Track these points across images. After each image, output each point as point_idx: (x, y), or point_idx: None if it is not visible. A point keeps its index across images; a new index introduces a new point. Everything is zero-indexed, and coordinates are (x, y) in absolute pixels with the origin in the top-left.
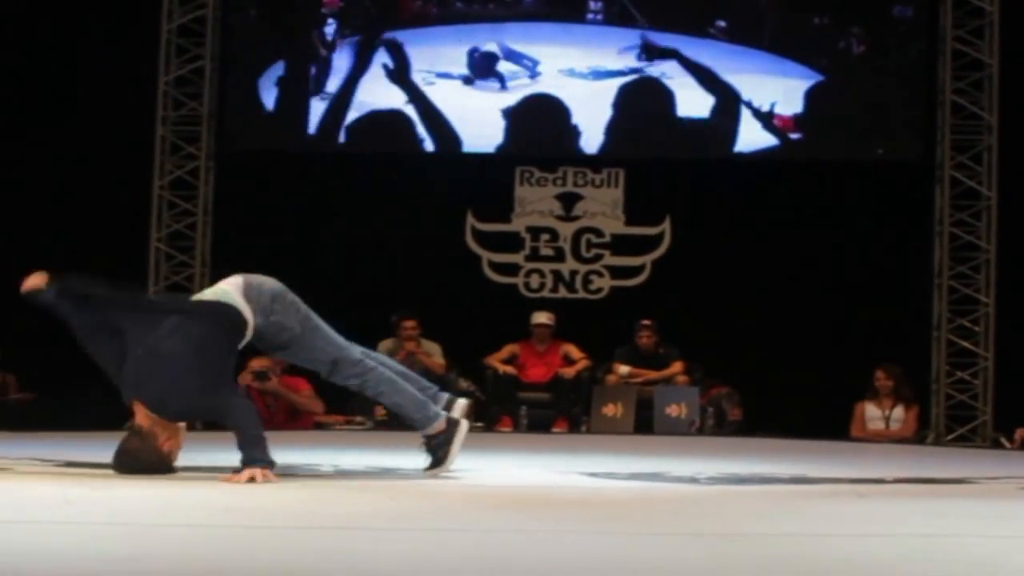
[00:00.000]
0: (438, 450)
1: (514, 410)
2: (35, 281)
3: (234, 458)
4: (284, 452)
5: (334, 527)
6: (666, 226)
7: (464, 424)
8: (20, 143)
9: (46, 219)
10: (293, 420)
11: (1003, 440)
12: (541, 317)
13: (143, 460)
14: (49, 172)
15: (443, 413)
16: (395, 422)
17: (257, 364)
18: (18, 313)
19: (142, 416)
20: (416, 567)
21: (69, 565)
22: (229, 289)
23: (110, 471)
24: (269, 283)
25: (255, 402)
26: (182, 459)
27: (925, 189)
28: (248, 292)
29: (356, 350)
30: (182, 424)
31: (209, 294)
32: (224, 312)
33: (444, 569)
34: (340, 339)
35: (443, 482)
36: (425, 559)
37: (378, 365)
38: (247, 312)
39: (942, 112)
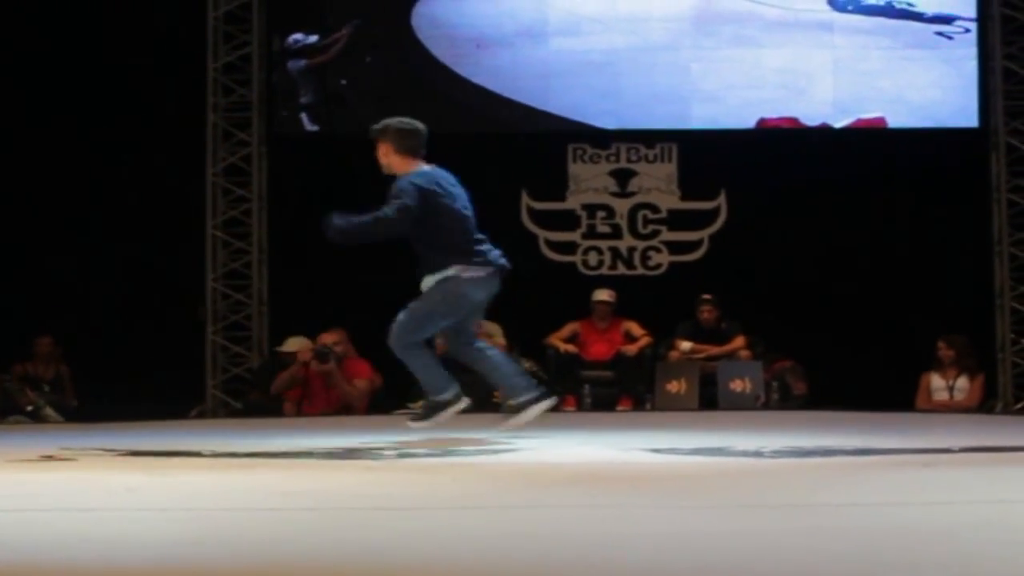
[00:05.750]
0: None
1: (577, 389)
2: None
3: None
4: (347, 435)
5: (394, 508)
6: (722, 200)
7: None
8: (71, 136)
9: (102, 211)
10: (348, 409)
11: None
12: (602, 294)
13: None
14: (103, 163)
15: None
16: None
17: (330, 338)
18: (77, 305)
19: None
20: (477, 545)
21: (130, 551)
22: None
23: (172, 458)
24: None
25: (310, 381)
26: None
27: (981, 156)
28: None
29: None
30: None
31: None
32: None
33: (505, 546)
34: None
35: (505, 461)
36: (486, 537)
37: None
38: None
39: (994, 78)
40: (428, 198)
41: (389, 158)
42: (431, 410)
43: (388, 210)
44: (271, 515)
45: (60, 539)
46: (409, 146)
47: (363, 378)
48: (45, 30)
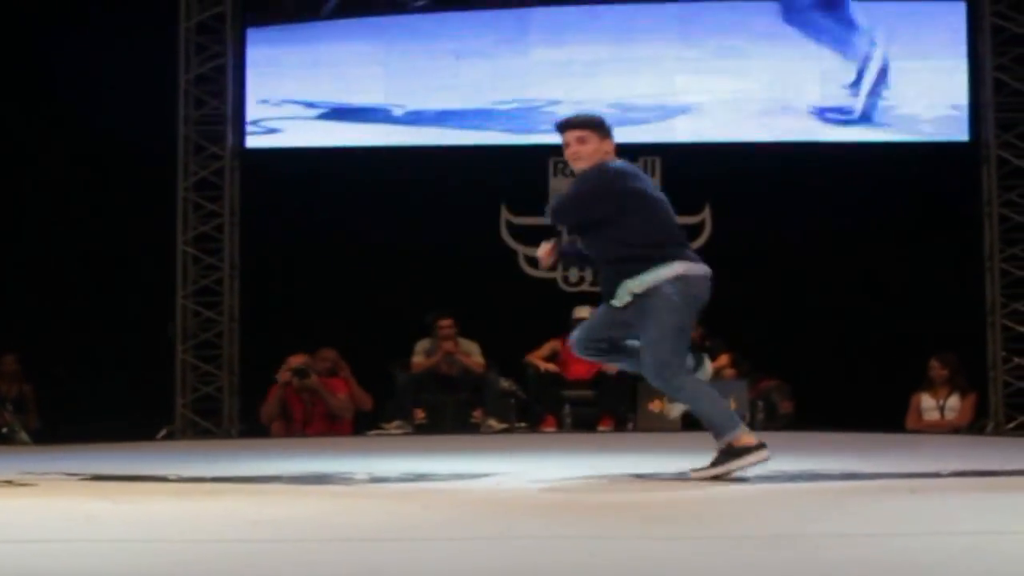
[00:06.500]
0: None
1: (558, 409)
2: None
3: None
4: (319, 459)
5: (363, 539)
6: (706, 214)
7: None
8: (37, 150)
9: (70, 226)
10: (332, 422)
11: None
12: (583, 312)
13: None
14: (70, 177)
15: None
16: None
17: (297, 360)
18: (41, 322)
19: None
20: None
21: None
22: None
23: (136, 484)
24: None
25: (290, 402)
26: (209, 470)
27: (972, 170)
28: None
29: None
30: None
31: None
32: None
33: None
34: None
35: (479, 487)
36: (455, 571)
37: None
38: None
39: (985, 90)
40: (633, 180)
41: (608, 156)
42: (726, 455)
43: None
44: (238, 547)
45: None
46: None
47: (342, 393)
48: (11, 43)
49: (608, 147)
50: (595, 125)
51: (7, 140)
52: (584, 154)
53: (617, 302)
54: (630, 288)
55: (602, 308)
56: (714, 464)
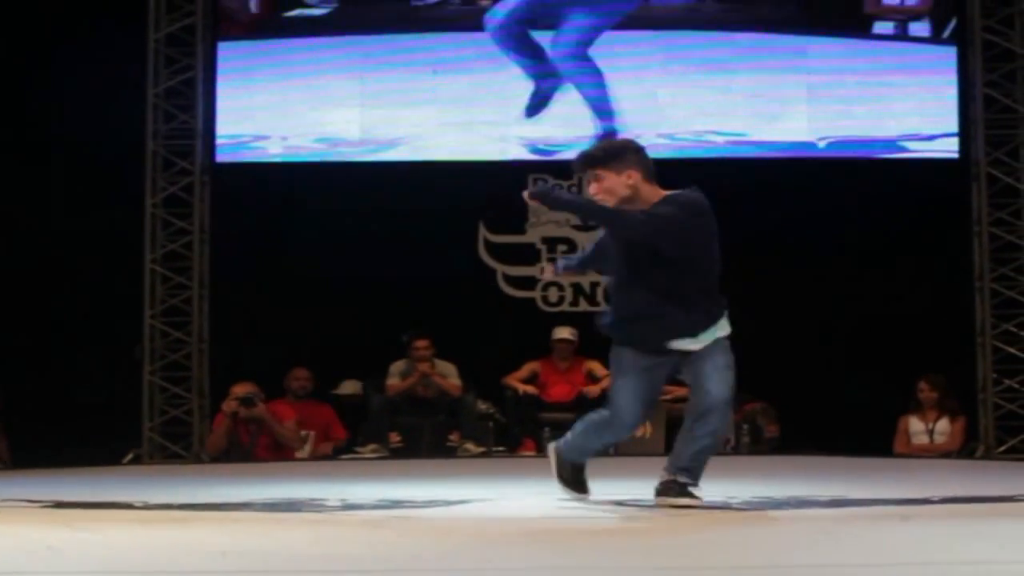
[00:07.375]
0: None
1: (537, 432)
2: None
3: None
4: (292, 485)
5: (334, 571)
6: None
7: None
8: (1, 164)
9: (34, 243)
10: (278, 450)
11: None
12: (563, 332)
13: None
14: (34, 195)
15: None
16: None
17: (241, 389)
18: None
19: None
20: None
21: None
22: None
23: (100, 511)
24: None
25: (236, 431)
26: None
27: (961, 187)
28: None
29: None
30: None
31: None
32: None
33: None
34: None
35: (457, 515)
36: None
37: None
38: None
39: (975, 106)
40: (702, 228)
41: (639, 189)
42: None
43: (639, 213)
44: None
45: None
46: (653, 170)
47: (290, 420)
48: None
49: (628, 179)
50: (613, 159)
51: None
52: (608, 192)
53: (696, 344)
54: (719, 333)
55: (646, 362)
56: (671, 493)
